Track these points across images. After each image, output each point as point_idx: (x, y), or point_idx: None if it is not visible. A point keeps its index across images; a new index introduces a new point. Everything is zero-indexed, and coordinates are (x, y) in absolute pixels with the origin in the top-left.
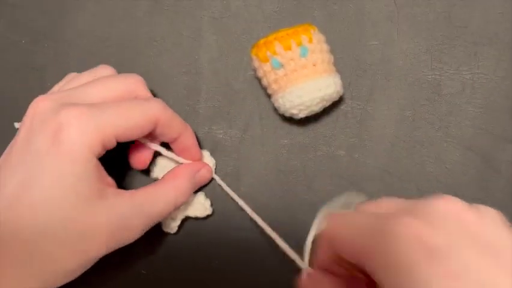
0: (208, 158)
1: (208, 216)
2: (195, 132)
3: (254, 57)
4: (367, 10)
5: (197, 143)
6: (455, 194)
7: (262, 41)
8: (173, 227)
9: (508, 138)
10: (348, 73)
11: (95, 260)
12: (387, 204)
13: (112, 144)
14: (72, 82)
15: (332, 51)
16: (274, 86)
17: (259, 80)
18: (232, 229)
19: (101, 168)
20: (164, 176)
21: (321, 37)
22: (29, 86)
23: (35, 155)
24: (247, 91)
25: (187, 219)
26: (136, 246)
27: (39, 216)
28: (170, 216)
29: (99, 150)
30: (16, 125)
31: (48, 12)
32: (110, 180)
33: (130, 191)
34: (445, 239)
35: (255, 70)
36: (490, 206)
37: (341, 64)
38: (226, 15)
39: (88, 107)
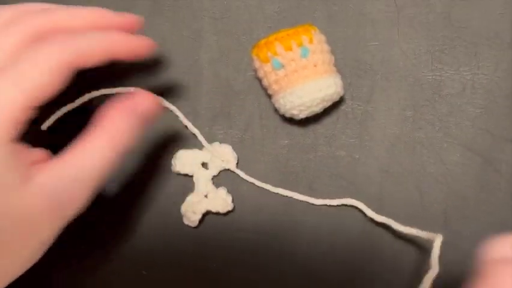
0: (230, 153)
1: (228, 212)
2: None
3: (255, 58)
4: (367, 10)
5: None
6: (455, 194)
7: (262, 41)
8: (194, 220)
9: (508, 139)
10: (348, 73)
11: (50, 241)
12: None
13: (23, 117)
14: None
15: (333, 51)
16: (274, 87)
17: (259, 80)
18: (235, 230)
19: (21, 148)
20: (95, 122)
21: (322, 37)
22: None
23: None
24: (247, 92)
25: (208, 213)
26: (136, 246)
27: None
28: (191, 209)
29: (10, 131)
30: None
31: None
32: (36, 154)
33: (57, 157)
34: None
35: (255, 71)
36: (490, 206)
37: (342, 64)
38: (227, 16)
39: None
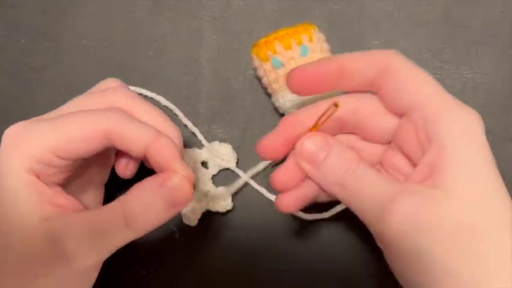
0: (230, 152)
1: (228, 212)
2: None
3: (254, 57)
4: (367, 9)
5: (178, 156)
6: None
7: (262, 40)
8: (193, 220)
9: (508, 138)
10: None
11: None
12: None
13: (52, 160)
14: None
15: (333, 50)
16: (274, 86)
17: (259, 79)
18: (234, 229)
19: (45, 187)
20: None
21: (322, 36)
22: (29, 86)
23: None
24: (247, 91)
25: (207, 213)
26: (136, 246)
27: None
28: (191, 209)
29: (32, 166)
30: None
31: (48, 12)
32: (62, 201)
33: (79, 213)
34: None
35: (255, 69)
36: None
37: None
38: (227, 15)
39: (27, 123)
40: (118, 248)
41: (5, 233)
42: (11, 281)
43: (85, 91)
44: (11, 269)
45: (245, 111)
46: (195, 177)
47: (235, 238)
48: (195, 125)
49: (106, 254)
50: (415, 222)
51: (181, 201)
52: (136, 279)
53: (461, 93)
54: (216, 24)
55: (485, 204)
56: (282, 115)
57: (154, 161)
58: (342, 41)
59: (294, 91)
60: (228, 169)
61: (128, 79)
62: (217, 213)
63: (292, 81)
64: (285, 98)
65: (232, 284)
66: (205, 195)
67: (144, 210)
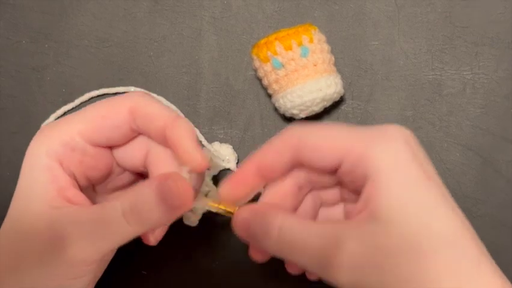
0: (230, 153)
1: (229, 212)
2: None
3: (255, 57)
4: (368, 10)
5: (194, 138)
6: (455, 194)
7: (262, 41)
8: (193, 220)
9: (509, 139)
10: (348, 73)
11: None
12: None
13: (78, 144)
14: None
15: (333, 51)
16: (275, 86)
17: (259, 80)
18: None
19: (62, 176)
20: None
21: (322, 37)
22: (29, 86)
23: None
24: (247, 91)
25: (208, 213)
26: (137, 246)
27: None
28: (191, 209)
29: (57, 150)
30: None
31: (48, 13)
32: (72, 194)
33: (82, 207)
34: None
35: (255, 70)
36: (490, 206)
37: (342, 64)
38: (227, 15)
39: (62, 117)
40: (118, 245)
41: (17, 210)
42: (5, 260)
43: (85, 91)
44: (8, 248)
45: (245, 111)
46: (206, 165)
47: (235, 238)
48: (195, 125)
49: (104, 249)
50: (362, 267)
51: (175, 201)
52: (136, 279)
53: (461, 94)
54: (217, 25)
55: (423, 225)
56: (282, 115)
57: (172, 140)
58: (342, 42)
59: (237, 199)
60: (228, 169)
61: (128, 79)
62: (217, 213)
63: (227, 197)
64: (285, 99)
65: (233, 284)
66: (206, 195)
67: (141, 206)
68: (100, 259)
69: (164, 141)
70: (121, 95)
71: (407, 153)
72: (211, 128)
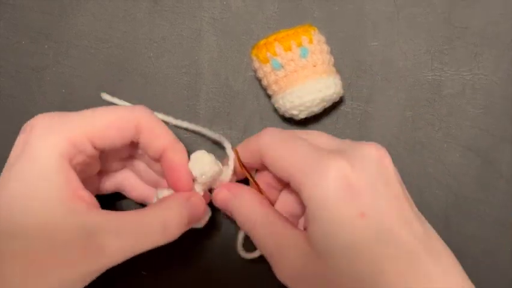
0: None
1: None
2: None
3: (254, 58)
4: (367, 11)
5: (187, 168)
6: (455, 194)
7: (262, 41)
8: (201, 221)
9: (508, 139)
10: (348, 74)
11: (71, 276)
12: (320, 140)
13: (86, 147)
14: None
15: (332, 52)
16: (274, 87)
17: (259, 80)
18: (234, 230)
19: (74, 176)
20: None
21: (322, 38)
22: (29, 86)
23: (11, 158)
24: (247, 92)
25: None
26: None
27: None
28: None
29: (67, 150)
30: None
31: (48, 13)
32: (83, 193)
33: (117, 212)
34: (366, 181)
35: (255, 71)
36: (490, 206)
37: (341, 65)
38: (226, 16)
39: (59, 112)
40: (143, 252)
41: (32, 216)
42: (32, 270)
43: (85, 91)
44: (31, 256)
45: (245, 112)
46: (190, 194)
47: (235, 238)
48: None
49: (132, 255)
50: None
51: (199, 216)
52: (136, 280)
53: (461, 94)
54: (216, 26)
55: (349, 263)
56: (281, 116)
57: (168, 161)
58: (342, 42)
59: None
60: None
61: (128, 80)
62: (217, 213)
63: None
64: (285, 99)
65: (233, 284)
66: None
67: (178, 220)
68: None
69: (158, 159)
70: (127, 105)
71: (338, 192)
72: (211, 128)
